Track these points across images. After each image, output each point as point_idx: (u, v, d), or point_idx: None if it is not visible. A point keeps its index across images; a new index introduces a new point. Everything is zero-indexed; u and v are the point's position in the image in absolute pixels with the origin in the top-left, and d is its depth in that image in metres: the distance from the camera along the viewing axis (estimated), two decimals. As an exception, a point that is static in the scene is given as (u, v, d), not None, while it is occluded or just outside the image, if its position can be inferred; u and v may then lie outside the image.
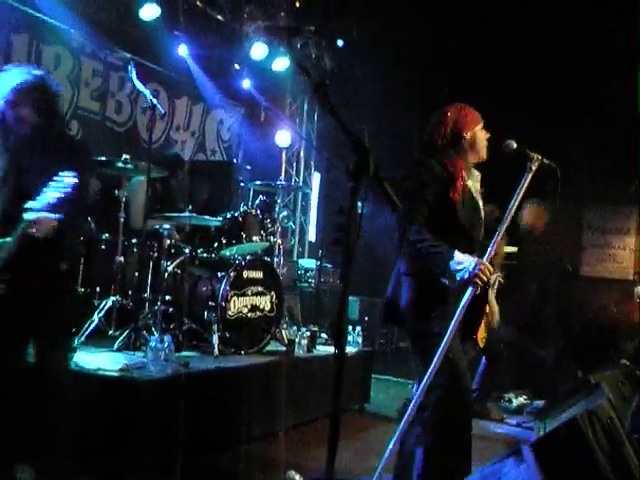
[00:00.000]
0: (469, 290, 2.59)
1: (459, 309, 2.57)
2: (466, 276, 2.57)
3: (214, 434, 3.67)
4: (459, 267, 2.57)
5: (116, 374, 3.33)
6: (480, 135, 2.88)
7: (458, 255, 2.59)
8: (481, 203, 2.91)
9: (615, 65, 6.54)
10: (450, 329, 2.55)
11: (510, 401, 5.96)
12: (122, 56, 5.17)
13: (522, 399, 5.93)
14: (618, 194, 7.46)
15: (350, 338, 5.69)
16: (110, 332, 4.11)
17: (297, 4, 6.99)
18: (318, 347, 4.97)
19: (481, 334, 2.99)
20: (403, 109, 6.74)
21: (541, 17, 6.55)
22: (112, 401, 3.27)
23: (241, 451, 3.80)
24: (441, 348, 2.50)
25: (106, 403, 3.25)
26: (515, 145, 2.77)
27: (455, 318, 2.57)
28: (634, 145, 6.72)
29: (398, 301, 2.85)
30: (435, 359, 2.53)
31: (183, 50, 6.27)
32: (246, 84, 7.07)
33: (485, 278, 2.58)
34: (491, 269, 2.63)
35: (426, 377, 2.54)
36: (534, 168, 2.74)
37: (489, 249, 2.67)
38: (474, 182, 2.90)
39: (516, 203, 2.70)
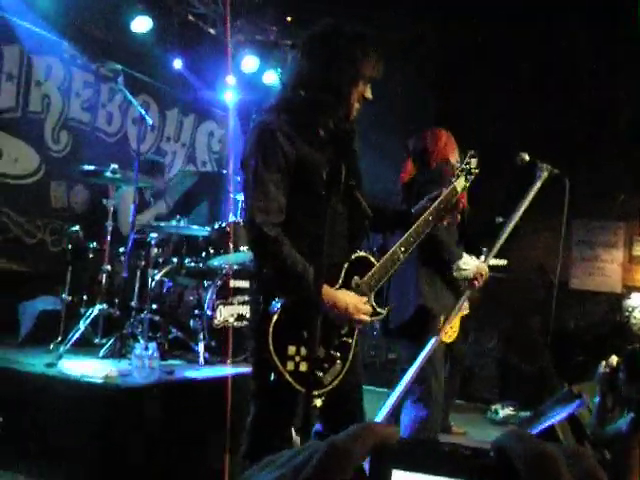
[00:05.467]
0: (467, 292, 2.91)
1: (456, 308, 2.78)
2: (470, 276, 2.98)
3: (198, 442, 3.69)
4: (464, 267, 2.99)
5: (100, 381, 3.35)
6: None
7: (466, 257, 3.03)
8: None
9: (603, 78, 6.63)
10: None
11: (496, 412, 5.99)
12: (113, 67, 5.21)
13: (508, 410, 5.97)
14: (606, 208, 7.53)
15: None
16: (96, 340, 4.13)
17: (288, 18, 7.06)
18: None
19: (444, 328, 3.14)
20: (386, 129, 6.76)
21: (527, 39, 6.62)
22: (96, 408, 3.30)
23: (226, 459, 3.81)
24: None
25: (90, 410, 3.28)
26: (527, 157, 3.06)
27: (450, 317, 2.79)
28: (621, 161, 6.81)
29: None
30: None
31: (175, 62, 6.33)
32: (238, 96, 7.14)
33: (482, 282, 2.97)
34: (487, 272, 3.00)
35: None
36: (544, 175, 3.03)
37: (491, 252, 2.93)
38: None
39: (522, 209, 2.99)
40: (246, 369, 4.36)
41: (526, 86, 6.75)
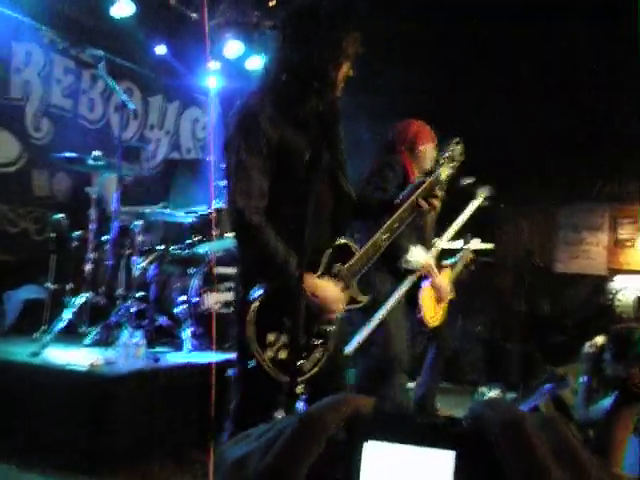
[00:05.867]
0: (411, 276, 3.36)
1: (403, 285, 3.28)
2: (417, 267, 3.39)
3: (185, 429, 3.69)
4: (410, 258, 3.30)
5: (86, 369, 3.33)
6: (430, 152, 3.49)
7: (414, 250, 3.31)
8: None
9: (603, 78, 6.65)
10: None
11: (483, 394, 6.04)
12: (94, 53, 5.13)
13: (495, 392, 6.02)
14: (590, 192, 7.57)
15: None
16: (82, 328, 4.12)
17: (271, 3, 6.99)
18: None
19: (429, 312, 3.24)
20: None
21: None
22: (82, 396, 3.28)
23: (212, 448, 3.81)
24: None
25: (76, 398, 3.26)
26: (468, 181, 3.72)
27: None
28: (605, 145, 6.84)
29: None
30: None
31: (159, 48, 6.25)
32: (221, 83, 7.07)
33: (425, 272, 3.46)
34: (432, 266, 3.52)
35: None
36: (481, 197, 3.83)
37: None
38: None
39: (463, 220, 3.72)
40: (232, 355, 4.35)
41: (526, 86, 6.75)
